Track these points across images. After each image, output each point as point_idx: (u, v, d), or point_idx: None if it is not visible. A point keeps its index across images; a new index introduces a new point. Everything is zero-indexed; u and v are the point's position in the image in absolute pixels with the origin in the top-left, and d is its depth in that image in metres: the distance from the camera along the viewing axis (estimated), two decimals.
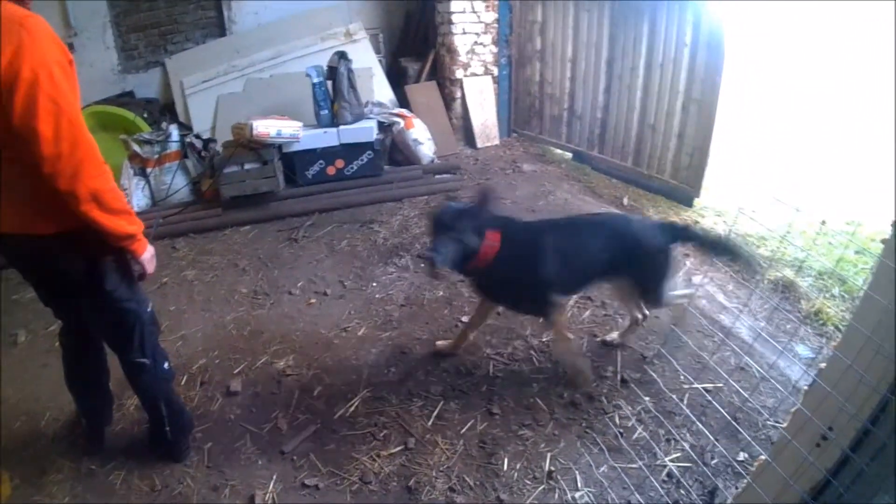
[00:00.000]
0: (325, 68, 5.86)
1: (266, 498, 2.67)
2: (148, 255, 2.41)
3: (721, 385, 3.01)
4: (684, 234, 3.21)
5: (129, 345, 2.62)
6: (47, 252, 2.27)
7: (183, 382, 3.37)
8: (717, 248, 3.24)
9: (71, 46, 1.81)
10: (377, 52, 7.23)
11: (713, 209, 4.93)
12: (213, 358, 3.62)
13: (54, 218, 2.19)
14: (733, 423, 2.69)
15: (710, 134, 4.58)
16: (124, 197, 2.38)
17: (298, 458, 2.87)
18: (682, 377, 3.08)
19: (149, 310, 2.64)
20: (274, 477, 2.77)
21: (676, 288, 3.23)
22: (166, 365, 2.78)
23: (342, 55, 5.80)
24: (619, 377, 3.16)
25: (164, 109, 6.86)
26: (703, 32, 4.52)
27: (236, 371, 3.48)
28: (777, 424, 2.72)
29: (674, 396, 2.97)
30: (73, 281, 2.37)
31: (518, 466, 2.71)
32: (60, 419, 3.20)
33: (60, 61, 2.02)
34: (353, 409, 3.12)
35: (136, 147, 5.68)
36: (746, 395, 2.91)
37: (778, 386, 2.94)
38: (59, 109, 1.97)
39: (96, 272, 2.37)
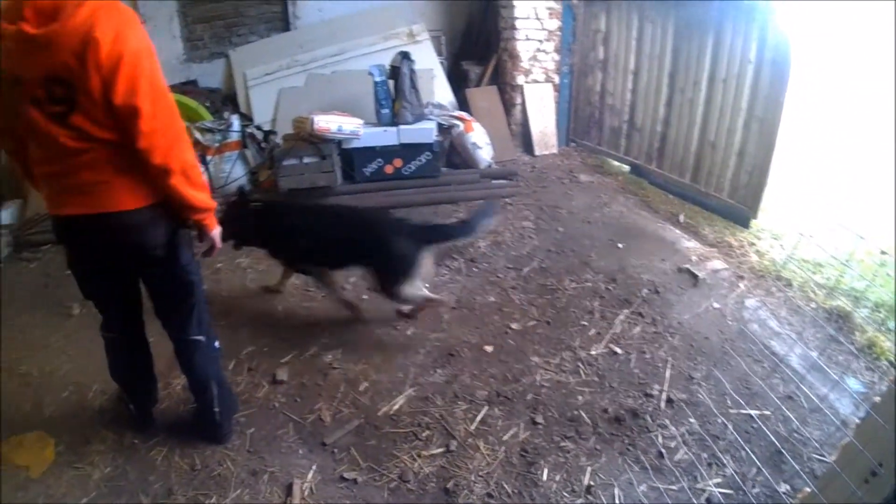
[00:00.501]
0: (388, 67, 5.90)
1: (304, 487, 2.72)
2: (217, 230, 2.55)
3: (768, 413, 2.97)
4: (438, 236, 3.70)
5: (188, 321, 2.72)
6: (132, 226, 2.36)
7: (231, 367, 3.46)
8: (466, 232, 3.74)
9: None
10: (439, 54, 7.26)
11: (770, 231, 4.85)
12: (262, 346, 3.69)
13: (140, 193, 2.32)
14: (782, 451, 2.68)
15: (770, 153, 4.49)
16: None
17: (339, 451, 2.92)
18: (729, 401, 3.06)
19: (204, 287, 2.77)
20: (313, 467, 2.83)
21: (420, 288, 3.62)
22: (216, 344, 2.89)
23: (405, 55, 5.83)
24: (665, 396, 3.13)
25: (226, 99, 7.00)
26: (769, 49, 4.43)
27: (284, 360, 3.55)
28: (823, 458, 2.68)
29: (720, 420, 2.94)
30: (150, 254, 2.46)
31: (557, 478, 2.72)
32: (107, 392, 3.32)
33: (149, 45, 2.18)
34: (397, 406, 3.16)
35: (197, 135, 5.81)
36: (796, 425, 2.87)
37: (832, 417, 2.90)
38: (155, 89, 2.15)
39: (174, 244, 2.49)
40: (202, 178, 2.41)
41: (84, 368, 3.55)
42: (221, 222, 2.87)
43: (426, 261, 3.59)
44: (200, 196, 2.38)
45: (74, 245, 2.52)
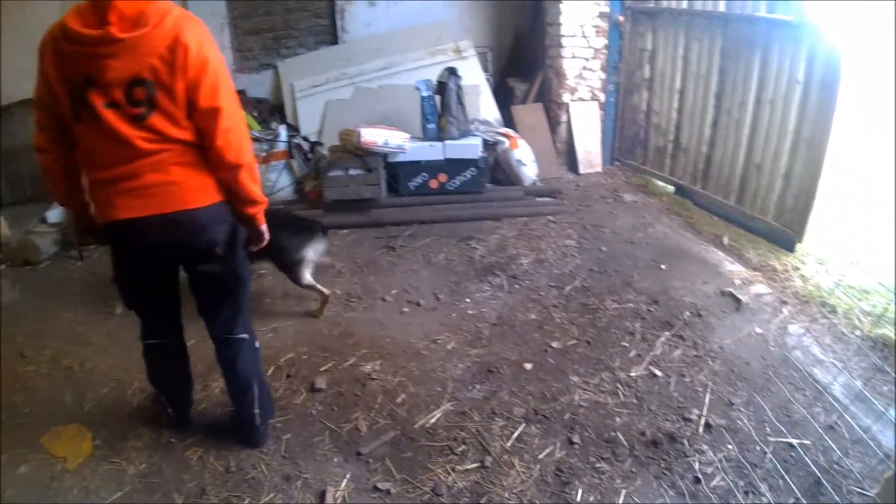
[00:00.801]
0: (435, 83, 5.96)
1: (337, 495, 2.76)
2: (265, 225, 2.72)
3: (809, 442, 2.93)
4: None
5: (234, 318, 2.83)
6: (201, 222, 2.52)
7: (269, 373, 3.53)
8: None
9: None
10: (485, 70, 7.29)
11: (815, 256, 4.75)
12: (302, 353, 3.78)
13: (208, 192, 2.50)
14: (822, 482, 2.65)
15: (817, 176, 4.41)
16: None
17: (374, 461, 2.96)
18: (769, 428, 3.02)
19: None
20: (347, 476, 2.87)
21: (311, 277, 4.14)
22: (257, 344, 3.00)
23: (452, 71, 5.88)
24: (703, 421, 3.11)
25: (273, 110, 7.14)
26: (818, 69, 4.36)
27: (323, 369, 3.62)
28: (865, 491, 2.64)
29: (758, 447, 2.91)
30: (212, 250, 2.60)
31: (591, 499, 2.72)
32: (146, 391, 3.42)
33: (220, 52, 2.40)
34: (434, 420, 3.20)
35: None
36: (838, 455, 2.83)
37: (875, 449, 2.85)
38: (228, 90, 2.39)
39: (235, 238, 2.65)
40: (258, 173, 2.60)
41: (125, 366, 3.68)
42: None
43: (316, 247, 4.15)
44: (257, 190, 2.59)
45: (132, 249, 2.60)
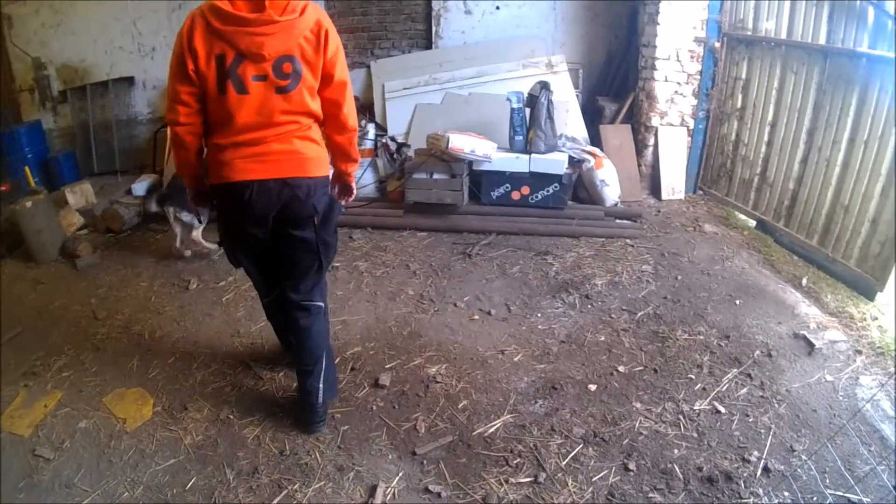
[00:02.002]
0: (526, 95, 6.01)
1: (387, 491, 2.86)
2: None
3: (868, 501, 2.86)
4: None
5: (316, 286, 3.12)
6: (314, 190, 2.85)
7: (335, 363, 3.64)
8: None
9: None
10: (575, 86, 7.30)
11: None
12: (369, 349, 3.93)
13: (321, 165, 2.91)
14: None
15: None
16: None
17: (428, 463, 3.05)
18: (829, 480, 2.98)
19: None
20: (400, 474, 2.98)
21: None
22: (329, 317, 3.34)
23: (544, 85, 5.92)
24: (762, 464, 3.08)
25: (363, 108, 7.29)
26: None
27: (388, 366, 3.76)
28: None
29: (815, 498, 2.88)
30: (312, 217, 2.92)
31: None
32: (212, 366, 3.67)
33: None
34: (493, 429, 3.28)
35: None
36: None
37: None
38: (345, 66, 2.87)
39: (331, 210, 2.99)
40: None
41: (194, 339, 3.95)
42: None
43: None
44: (357, 151, 3.15)
45: (241, 209, 2.85)
